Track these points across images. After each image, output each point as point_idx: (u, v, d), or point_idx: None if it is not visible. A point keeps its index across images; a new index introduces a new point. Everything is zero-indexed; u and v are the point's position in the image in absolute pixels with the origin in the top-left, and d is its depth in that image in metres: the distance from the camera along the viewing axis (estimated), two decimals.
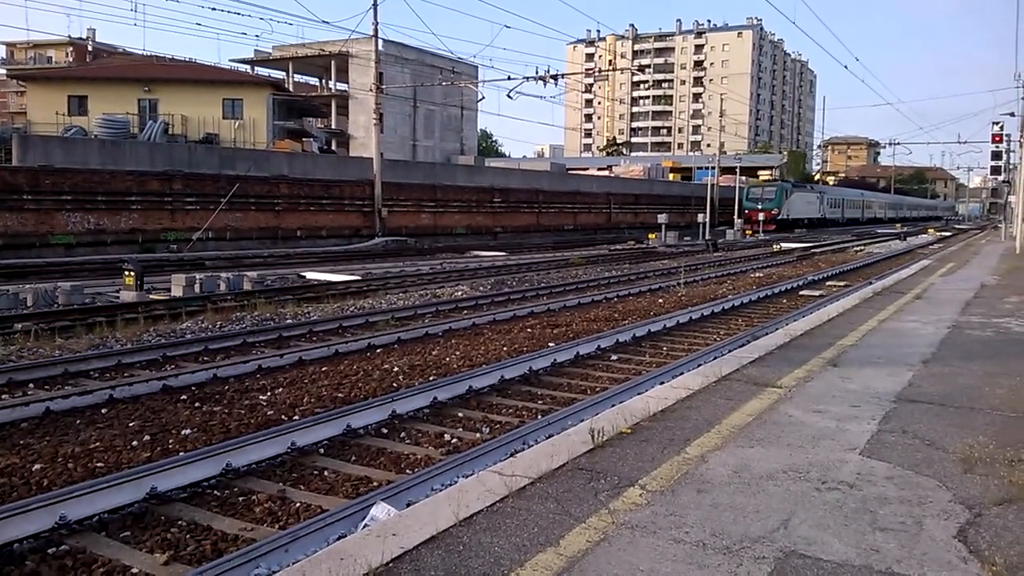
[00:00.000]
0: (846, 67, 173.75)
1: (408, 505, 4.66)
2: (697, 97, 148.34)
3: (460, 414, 7.65)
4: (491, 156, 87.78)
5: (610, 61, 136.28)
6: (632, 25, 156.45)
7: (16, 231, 25.77)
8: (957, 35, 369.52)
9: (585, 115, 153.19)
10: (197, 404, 7.84)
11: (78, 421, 7.20)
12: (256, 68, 60.68)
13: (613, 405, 6.70)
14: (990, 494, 4.26)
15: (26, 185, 26.25)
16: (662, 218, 45.62)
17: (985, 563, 3.42)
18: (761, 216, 59.65)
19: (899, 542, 3.63)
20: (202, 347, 10.50)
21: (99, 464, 6.05)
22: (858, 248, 39.27)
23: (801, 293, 18.47)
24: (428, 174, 43.58)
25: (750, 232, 54.42)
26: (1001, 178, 49.64)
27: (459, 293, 17.18)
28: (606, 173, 71.97)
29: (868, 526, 3.82)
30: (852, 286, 19.11)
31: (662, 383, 7.64)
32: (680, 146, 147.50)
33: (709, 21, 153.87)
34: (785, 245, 38.48)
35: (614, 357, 10.44)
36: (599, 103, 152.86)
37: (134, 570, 4.44)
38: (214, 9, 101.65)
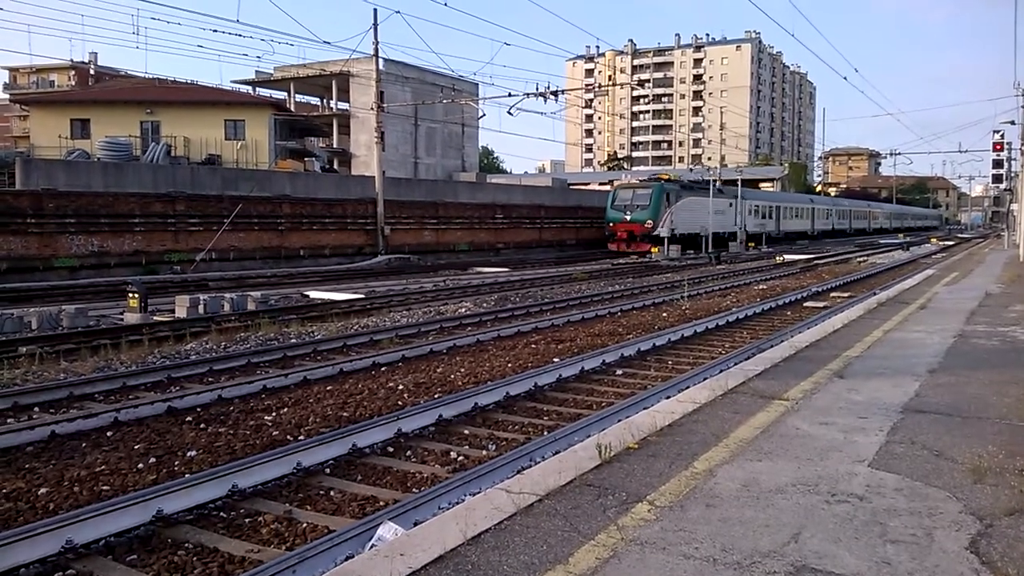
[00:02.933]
0: (845, 78, 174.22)
1: (415, 524, 4.64)
2: (697, 111, 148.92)
3: (466, 431, 7.63)
4: (492, 172, 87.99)
5: (610, 76, 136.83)
6: (631, 40, 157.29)
7: (20, 254, 25.81)
8: (957, 45, 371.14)
9: (586, 130, 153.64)
10: (202, 425, 7.83)
11: (83, 444, 7.19)
12: (257, 89, 60.93)
13: (619, 420, 6.68)
14: (1001, 504, 4.23)
15: (29, 208, 26.32)
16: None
17: (997, 574, 3.39)
18: (635, 232, 42.21)
19: (910, 554, 3.61)
20: (207, 368, 10.50)
21: (105, 487, 6.04)
22: (861, 259, 39.31)
23: (805, 305, 18.44)
24: (430, 191, 43.66)
25: (617, 246, 41.98)
26: (1003, 186, 49.61)
27: (463, 310, 17.17)
28: (608, 188, 72.08)
29: (879, 539, 3.79)
30: (856, 297, 19.09)
31: (668, 397, 7.62)
32: (681, 160, 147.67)
33: (708, 35, 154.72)
34: (788, 257, 38.52)
35: (619, 372, 10.42)
36: (599, 118, 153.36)
37: None
38: (215, 31, 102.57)
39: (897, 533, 3.85)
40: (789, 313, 16.96)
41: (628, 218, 42.60)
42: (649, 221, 42.11)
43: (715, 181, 48.95)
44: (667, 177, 47.63)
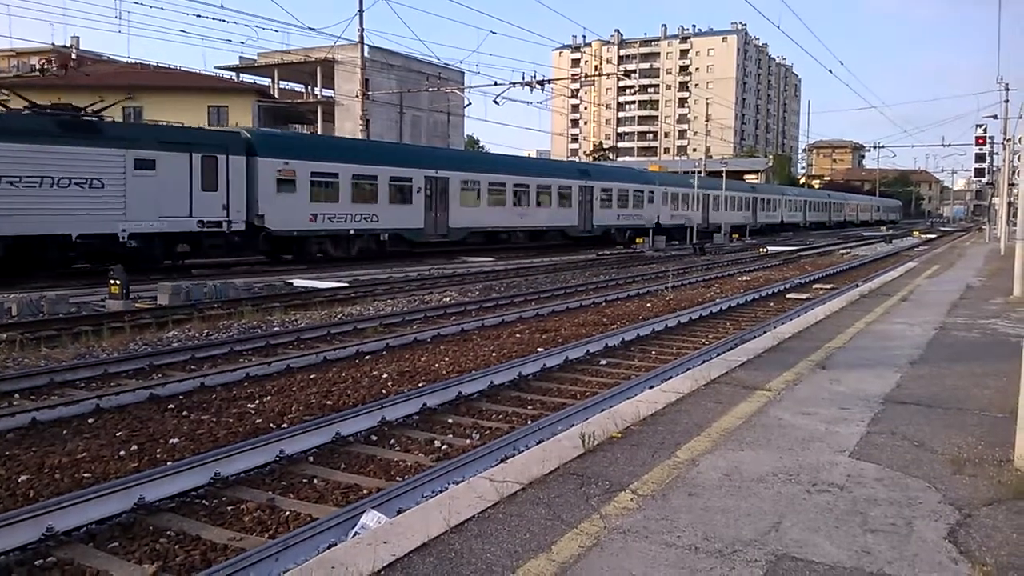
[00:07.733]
0: (830, 71, 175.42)
1: (399, 512, 4.64)
2: (683, 102, 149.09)
3: (450, 420, 7.64)
4: None
5: (596, 66, 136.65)
6: (617, 30, 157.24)
7: None
8: (941, 39, 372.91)
9: (572, 120, 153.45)
10: (184, 413, 7.79)
11: (64, 431, 7.14)
12: (241, 75, 60.42)
13: (603, 410, 6.70)
14: (979, 495, 4.29)
15: None
16: None
17: (976, 563, 3.43)
18: None
19: (890, 543, 3.65)
20: (189, 356, 10.43)
21: (86, 474, 6.00)
22: (844, 251, 39.63)
23: (788, 296, 18.55)
24: None
25: None
26: (985, 180, 49.95)
27: (447, 299, 17.15)
28: None
29: (859, 528, 3.83)
30: (838, 288, 19.21)
31: (652, 387, 7.65)
32: (666, 151, 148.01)
33: (694, 26, 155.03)
34: (772, 248, 38.73)
35: (603, 362, 10.44)
36: (585, 108, 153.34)
37: None
38: (199, 16, 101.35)
39: (877, 522, 3.89)
40: (772, 304, 17.06)
41: None
42: None
43: None
44: None
